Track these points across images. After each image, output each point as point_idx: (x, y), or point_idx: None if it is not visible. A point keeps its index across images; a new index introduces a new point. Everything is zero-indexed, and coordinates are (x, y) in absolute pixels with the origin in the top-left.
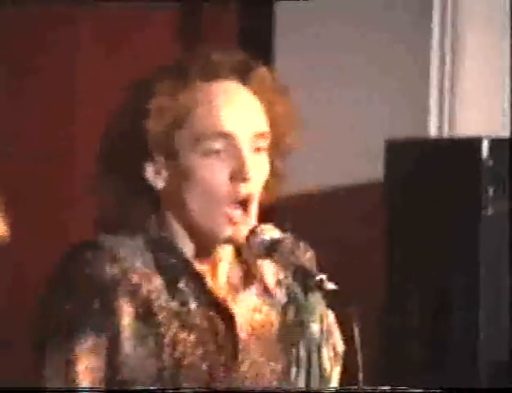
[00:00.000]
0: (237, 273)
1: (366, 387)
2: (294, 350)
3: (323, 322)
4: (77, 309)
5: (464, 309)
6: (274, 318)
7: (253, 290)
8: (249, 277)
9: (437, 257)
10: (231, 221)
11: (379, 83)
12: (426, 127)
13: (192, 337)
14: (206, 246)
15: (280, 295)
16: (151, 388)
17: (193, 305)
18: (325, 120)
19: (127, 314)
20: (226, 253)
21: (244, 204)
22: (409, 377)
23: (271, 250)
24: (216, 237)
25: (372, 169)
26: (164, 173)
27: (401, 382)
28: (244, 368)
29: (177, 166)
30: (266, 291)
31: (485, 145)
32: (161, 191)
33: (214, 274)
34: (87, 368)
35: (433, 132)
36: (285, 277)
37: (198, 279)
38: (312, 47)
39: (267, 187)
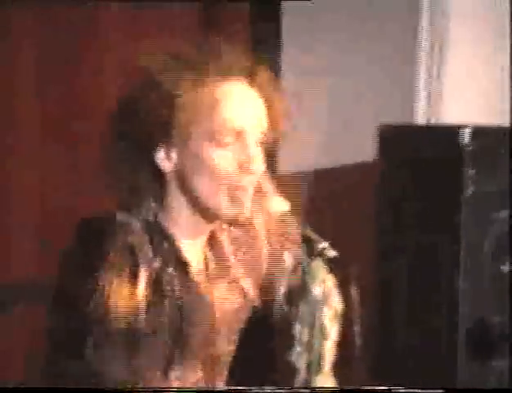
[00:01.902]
0: (214, 264)
1: (365, 387)
2: (298, 309)
3: (324, 285)
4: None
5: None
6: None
7: (224, 283)
8: (222, 270)
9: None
10: (236, 200)
11: (368, 72)
12: (413, 114)
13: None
14: (206, 223)
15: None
16: (152, 388)
17: (177, 289)
18: (322, 106)
19: (143, 280)
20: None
21: (244, 189)
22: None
23: (280, 220)
24: (220, 216)
25: (364, 152)
26: (174, 158)
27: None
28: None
29: (188, 153)
30: (235, 282)
31: (467, 132)
32: (169, 174)
33: (200, 257)
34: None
35: (420, 119)
36: (293, 245)
37: (183, 267)
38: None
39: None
